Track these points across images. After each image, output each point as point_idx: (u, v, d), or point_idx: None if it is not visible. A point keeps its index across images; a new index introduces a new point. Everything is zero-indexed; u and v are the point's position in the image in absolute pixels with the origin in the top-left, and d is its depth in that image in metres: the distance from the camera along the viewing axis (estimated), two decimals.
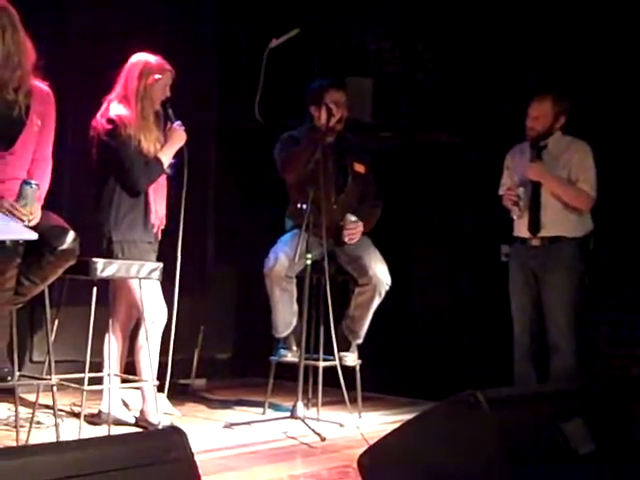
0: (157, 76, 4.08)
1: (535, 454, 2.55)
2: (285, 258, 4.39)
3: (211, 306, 5.61)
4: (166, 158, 4.09)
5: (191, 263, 5.24)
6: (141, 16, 5.09)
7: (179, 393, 4.95)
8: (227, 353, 5.83)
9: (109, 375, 4.04)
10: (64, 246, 3.39)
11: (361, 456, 2.75)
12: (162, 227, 4.18)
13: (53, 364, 3.59)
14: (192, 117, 4.55)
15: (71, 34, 4.89)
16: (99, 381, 4.07)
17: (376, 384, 4.85)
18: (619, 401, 3.01)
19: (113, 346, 4.14)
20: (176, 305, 4.17)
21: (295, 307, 4.52)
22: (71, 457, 1.73)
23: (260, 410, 4.59)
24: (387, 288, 4.49)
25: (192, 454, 1.89)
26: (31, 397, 3.99)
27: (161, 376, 4.24)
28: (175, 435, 1.84)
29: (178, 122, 4.15)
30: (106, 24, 4.91)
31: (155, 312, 4.06)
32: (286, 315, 4.52)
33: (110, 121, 4.00)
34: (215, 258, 5.70)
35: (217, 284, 5.72)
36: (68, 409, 4.28)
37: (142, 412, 4.11)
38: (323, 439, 4.00)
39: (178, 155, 4.18)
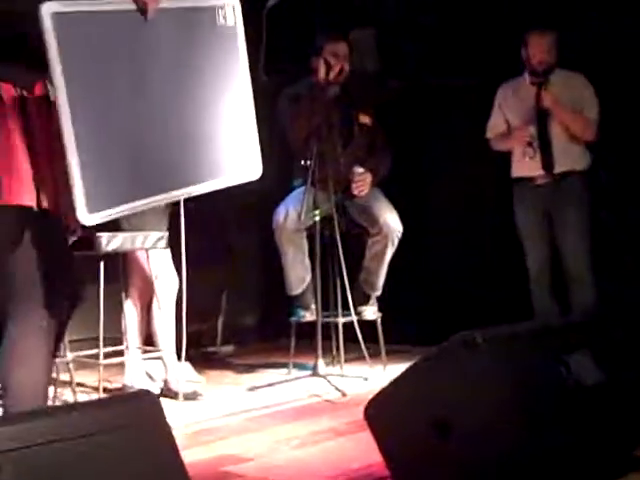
0: None
1: (540, 391, 2.48)
2: (294, 212, 4.35)
3: (234, 271, 5.58)
4: None
5: (210, 229, 5.24)
6: None
7: (206, 360, 4.95)
8: (254, 317, 5.81)
9: (127, 348, 4.06)
10: None
11: (366, 406, 2.72)
12: None
13: (67, 342, 3.62)
14: None
15: None
16: (120, 354, 4.09)
17: (400, 335, 4.80)
18: (632, 331, 2.93)
19: (131, 319, 4.14)
20: (185, 272, 4.08)
21: (307, 262, 4.47)
22: (41, 424, 1.71)
23: (285, 371, 4.57)
24: (399, 236, 4.44)
25: (164, 417, 1.85)
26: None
27: (187, 344, 4.23)
28: (146, 399, 1.80)
29: None
30: None
31: (166, 281, 4.04)
32: (298, 271, 4.48)
33: None
34: (234, 222, 5.66)
35: (238, 249, 5.68)
36: (95, 384, 4.30)
37: (165, 382, 4.11)
38: (345, 395, 3.98)
39: None
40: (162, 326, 4.00)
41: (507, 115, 4.58)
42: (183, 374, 4.15)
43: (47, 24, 2.24)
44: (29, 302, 2.40)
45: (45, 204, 2.36)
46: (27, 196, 2.33)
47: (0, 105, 2.33)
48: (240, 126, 2.80)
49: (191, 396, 3.99)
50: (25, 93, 2.38)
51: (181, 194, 2.71)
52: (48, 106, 2.42)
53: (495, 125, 4.61)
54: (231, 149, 2.80)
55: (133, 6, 2.40)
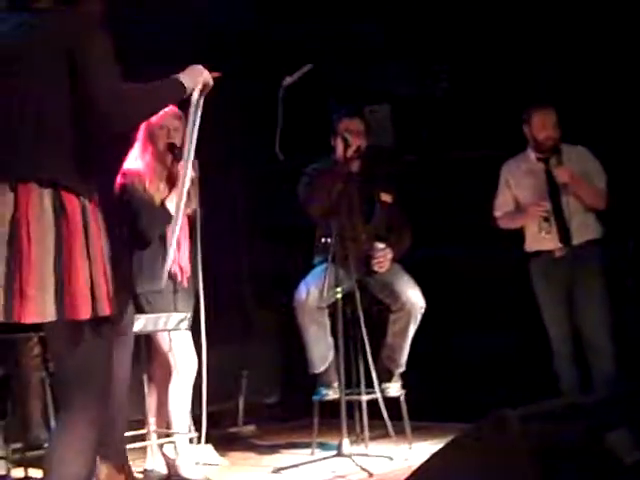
0: (154, 119, 3.89)
1: (577, 469, 2.41)
2: (316, 290, 4.32)
3: (254, 350, 5.54)
4: (172, 204, 3.80)
5: (230, 308, 5.22)
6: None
7: (228, 441, 4.87)
8: (275, 396, 5.74)
9: (149, 432, 3.99)
10: None
11: None
12: (187, 274, 4.02)
13: None
14: (216, 163, 4.51)
15: None
16: (142, 438, 4.01)
17: (425, 412, 4.72)
18: None
19: (153, 402, 4.07)
20: (205, 352, 3.98)
21: (330, 340, 4.41)
22: None
23: (309, 451, 4.49)
24: (422, 312, 4.40)
25: None
26: None
27: (208, 426, 4.15)
28: None
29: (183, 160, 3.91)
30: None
31: (186, 363, 3.97)
32: (321, 349, 4.42)
33: (122, 175, 3.97)
34: (253, 301, 5.64)
35: (258, 327, 5.65)
36: None
37: (175, 466, 3.97)
38: (371, 475, 3.89)
39: None
40: (177, 409, 3.92)
41: (516, 192, 4.62)
42: (204, 457, 4.07)
43: None
44: (77, 410, 2.40)
45: (100, 313, 2.38)
46: (84, 310, 2.35)
47: (64, 218, 2.34)
48: None
49: None
50: (87, 203, 2.39)
51: None
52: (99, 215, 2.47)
53: (503, 203, 4.64)
54: None
55: None
